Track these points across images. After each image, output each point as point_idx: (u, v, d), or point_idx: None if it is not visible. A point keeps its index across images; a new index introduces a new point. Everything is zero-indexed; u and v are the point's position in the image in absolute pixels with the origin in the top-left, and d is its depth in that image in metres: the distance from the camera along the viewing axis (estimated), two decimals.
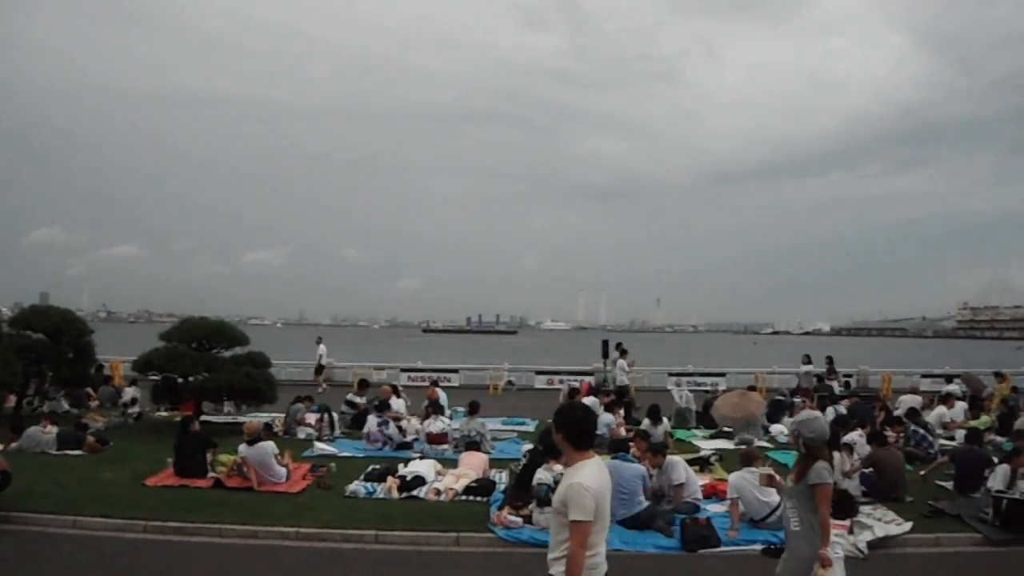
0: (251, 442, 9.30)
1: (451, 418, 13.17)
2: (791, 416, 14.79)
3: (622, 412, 14.08)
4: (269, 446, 9.43)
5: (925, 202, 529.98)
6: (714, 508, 8.46)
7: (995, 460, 9.21)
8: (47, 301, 23.38)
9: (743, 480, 7.96)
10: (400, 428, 12.61)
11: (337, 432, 13.39)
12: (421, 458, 10.69)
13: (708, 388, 22.88)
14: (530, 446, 10.46)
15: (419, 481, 9.23)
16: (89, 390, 16.52)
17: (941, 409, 14.70)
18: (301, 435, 12.93)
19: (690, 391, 17.55)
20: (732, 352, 68.38)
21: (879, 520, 7.99)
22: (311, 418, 13.45)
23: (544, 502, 7.40)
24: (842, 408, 14.60)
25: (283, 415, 13.93)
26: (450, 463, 10.37)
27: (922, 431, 12.12)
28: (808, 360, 20.67)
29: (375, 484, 9.25)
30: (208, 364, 13.90)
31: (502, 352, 41.14)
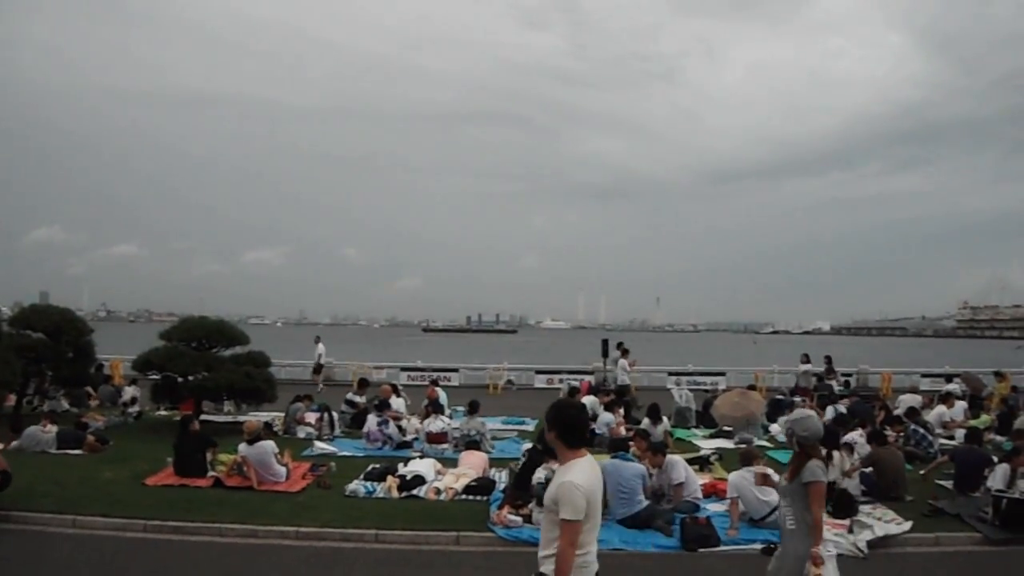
0: (251, 441, 9.30)
1: (451, 417, 13.17)
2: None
3: (622, 411, 14.08)
4: (269, 445, 9.43)
5: (925, 201, 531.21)
6: (714, 507, 8.46)
7: (995, 459, 9.21)
8: (47, 300, 23.40)
9: (743, 479, 7.96)
10: (400, 427, 12.61)
11: (337, 431, 13.39)
12: (421, 457, 10.69)
13: (708, 387, 22.88)
14: (529, 445, 10.46)
15: (419, 480, 9.23)
16: (89, 389, 16.51)
17: (941, 408, 14.71)
18: (301, 434, 12.93)
19: (690, 390, 17.54)
20: (732, 351, 68.34)
21: (879, 519, 7.99)
22: (311, 417, 13.45)
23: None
24: (842, 407, 14.60)
25: (283, 414, 13.93)
26: (450, 462, 10.37)
27: (922, 430, 12.12)
28: (807, 359, 20.67)
29: (375, 483, 9.25)
30: (208, 363, 13.89)
31: (502, 351, 41.08)
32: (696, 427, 15.33)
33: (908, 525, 7.83)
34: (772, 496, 7.55)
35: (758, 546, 7.30)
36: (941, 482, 9.79)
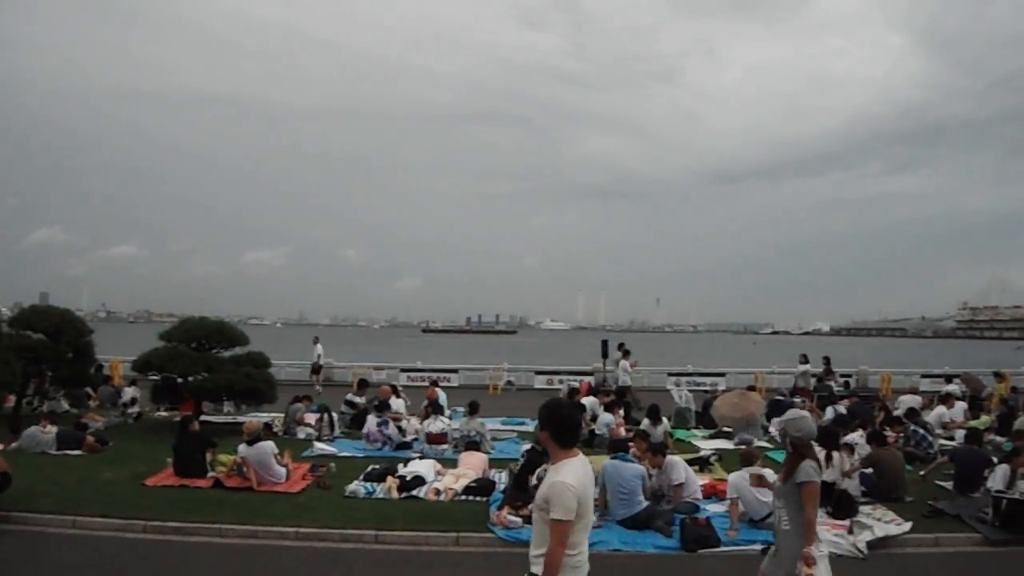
0: (251, 442, 9.29)
1: (451, 418, 13.16)
2: None
3: (622, 412, 14.09)
4: (269, 446, 9.43)
5: (924, 202, 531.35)
6: (714, 508, 8.45)
7: (995, 460, 9.21)
8: (47, 301, 23.42)
9: (743, 480, 7.96)
10: (400, 428, 12.61)
11: (337, 432, 13.38)
12: (421, 458, 10.69)
13: (708, 388, 22.90)
14: (529, 446, 10.45)
15: (419, 481, 9.23)
16: (89, 390, 16.50)
17: (941, 409, 14.71)
18: (301, 435, 12.92)
19: (689, 391, 17.57)
20: (731, 352, 68.39)
21: (879, 520, 7.99)
22: (311, 418, 13.44)
23: None
24: (842, 408, 14.60)
25: (282, 415, 13.93)
26: (450, 463, 10.37)
27: (922, 431, 12.12)
28: (805, 360, 20.68)
29: (375, 484, 9.25)
30: (208, 364, 13.89)
31: (502, 352, 41.10)
32: (696, 428, 15.33)
33: (908, 526, 7.83)
34: (771, 497, 7.55)
35: (758, 547, 7.28)
36: (941, 483, 9.79)
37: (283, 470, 9.49)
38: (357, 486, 9.15)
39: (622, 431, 12.37)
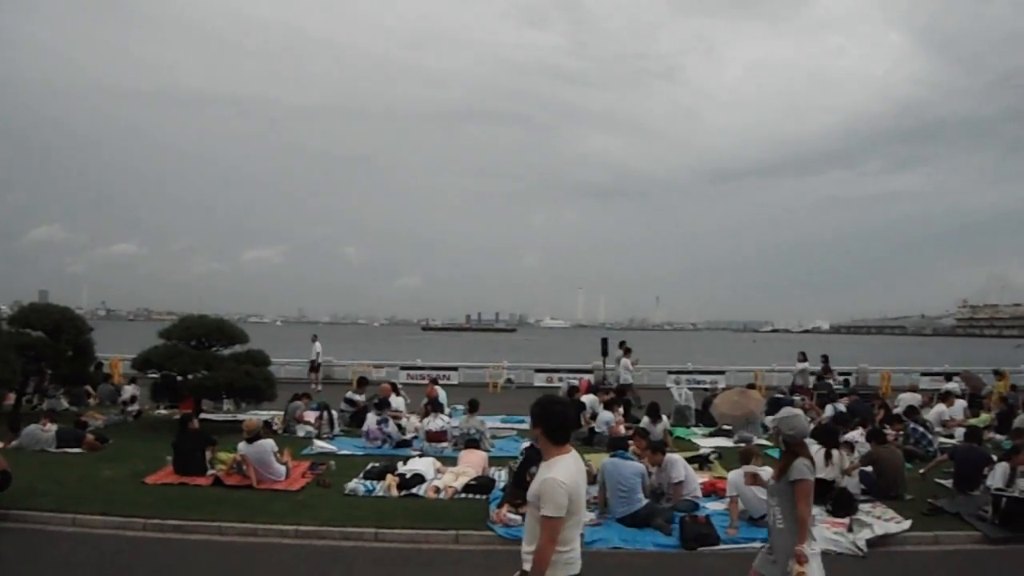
0: (250, 440, 9.30)
1: (450, 416, 13.17)
2: None
3: (621, 410, 14.09)
4: (268, 444, 9.43)
5: (924, 200, 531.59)
6: (713, 506, 8.46)
7: (994, 458, 9.20)
8: (46, 299, 23.47)
9: (742, 478, 7.96)
10: (399, 426, 12.61)
11: (336, 430, 13.38)
12: (420, 456, 10.68)
13: (707, 386, 22.86)
14: (528, 444, 10.44)
15: (418, 479, 9.23)
16: (88, 388, 16.51)
17: (940, 407, 14.72)
18: (300, 433, 12.92)
19: (689, 389, 17.55)
20: (731, 350, 68.35)
21: (878, 518, 7.99)
22: (310, 416, 13.44)
23: None
24: (841, 406, 14.60)
25: (282, 413, 13.92)
26: (449, 461, 10.37)
27: (921, 429, 12.12)
28: (803, 358, 20.69)
29: (374, 482, 9.25)
30: (207, 362, 13.88)
31: (501, 350, 41.12)
32: (695, 426, 15.33)
33: (907, 524, 7.83)
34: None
35: (758, 544, 7.25)
36: (941, 481, 9.79)
37: (283, 468, 9.49)
38: (357, 484, 9.16)
39: (622, 429, 12.37)
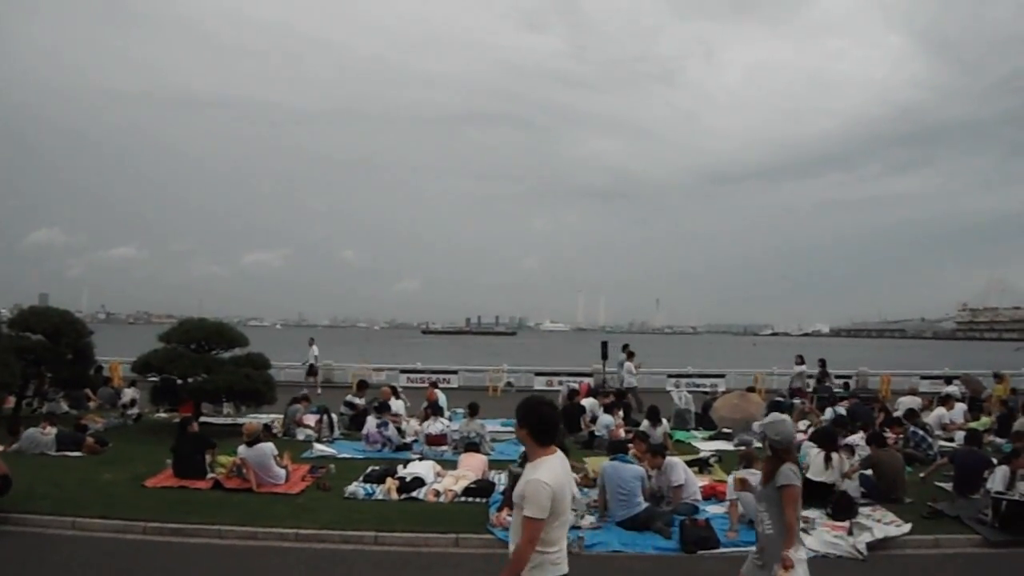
0: (250, 443, 9.30)
1: (450, 419, 13.16)
2: (791, 417, 14.79)
3: (621, 413, 14.09)
4: (268, 447, 9.43)
5: (924, 203, 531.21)
6: (713, 509, 8.46)
7: (994, 461, 9.20)
8: (46, 302, 23.41)
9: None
10: (399, 429, 12.60)
11: (336, 433, 13.38)
12: (420, 459, 10.68)
13: (707, 389, 22.88)
14: None
15: (418, 482, 9.23)
16: (88, 391, 16.50)
17: (940, 410, 14.71)
18: (300, 436, 12.91)
19: (689, 392, 17.55)
20: (731, 353, 68.36)
21: (878, 521, 7.99)
22: (310, 419, 13.44)
23: None
24: (841, 409, 14.60)
25: (282, 416, 13.92)
26: (449, 464, 10.37)
27: (921, 432, 12.11)
28: (801, 361, 20.71)
29: (374, 485, 9.25)
30: (207, 365, 13.89)
31: (501, 353, 41.10)
32: (695, 429, 15.32)
33: (908, 527, 7.83)
34: None
35: None
36: (941, 484, 9.79)
37: (282, 471, 9.49)
38: (357, 487, 9.15)
39: (621, 432, 12.37)
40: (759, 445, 12.62)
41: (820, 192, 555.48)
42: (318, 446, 12.16)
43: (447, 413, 13.55)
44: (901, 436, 12.08)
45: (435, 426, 12.06)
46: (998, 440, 13.00)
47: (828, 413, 14.43)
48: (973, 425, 13.91)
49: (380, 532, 7.54)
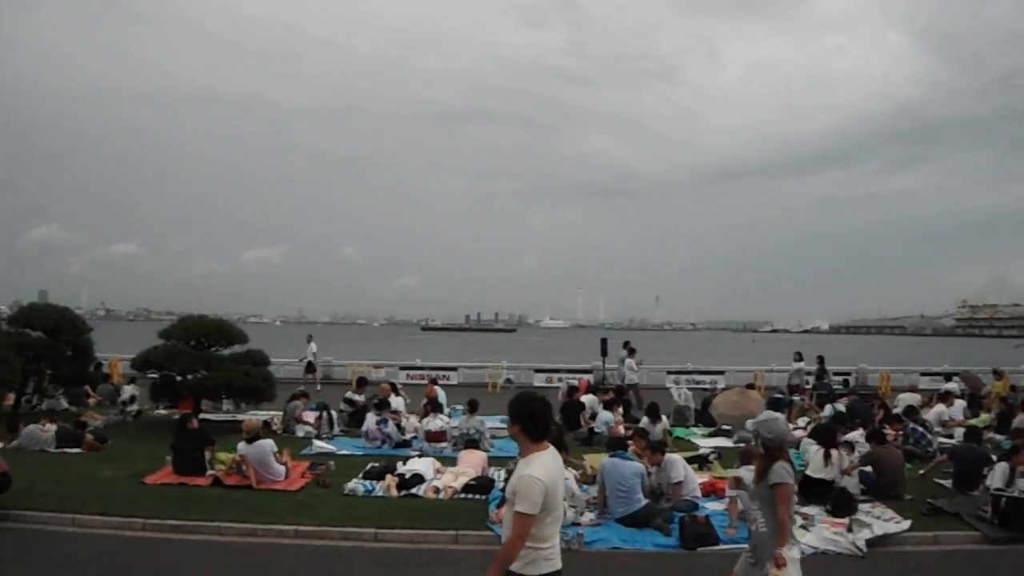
0: (250, 440, 9.30)
1: (450, 416, 13.17)
2: (790, 415, 14.80)
3: (621, 410, 14.10)
4: (268, 444, 9.42)
5: (923, 200, 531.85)
6: (713, 506, 8.46)
7: (994, 458, 9.20)
8: (46, 299, 23.46)
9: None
10: (399, 426, 12.61)
11: (336, 430, 13.38)
12: (420, 456, 10.68)
13: (707, 386, 22.88)
14: None
15: (418, 479, 9.23)
16: (88, 388, 16.51)
17: (940, 407, 14.72)
18: (300, 433, 12.91)
19: (689, 389, 17.57)
20: (731, 350, 68.40)
21: (878, 518, 7.99)
22: (310, 416, 13.44)
23: None
24: (840, 406, 14.60)
25: (281, 413, 13.91)
26: (449, 461, 10.37)
27: (921, 429, 12.12)
28: (799, 357, 20.72)
29: (374, 482, 9.25)
30: (207, 362, 13.88)
31: (501, 350, 41.10)
32: (695, 426, 15.33)
33: (907, 524, 7.83)
34: None
35: None
36: (940, 481, 9.79)
37: (282, 468, 9.49)
38: (356, 484, 9.16)
39: (621, 429, 12.37)
40: None
41: (820, 189, 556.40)
42: (318, 443, 12.16)
43: (447, 410, 13.56)
44: (901, 433, 12.09)
45: (435, 423, 12.06)
46: (997, 437, 13.01)
47: (827, 410, 14.43)
48: (973, 422, 13.92)
49: (380, 529, 7.54)
